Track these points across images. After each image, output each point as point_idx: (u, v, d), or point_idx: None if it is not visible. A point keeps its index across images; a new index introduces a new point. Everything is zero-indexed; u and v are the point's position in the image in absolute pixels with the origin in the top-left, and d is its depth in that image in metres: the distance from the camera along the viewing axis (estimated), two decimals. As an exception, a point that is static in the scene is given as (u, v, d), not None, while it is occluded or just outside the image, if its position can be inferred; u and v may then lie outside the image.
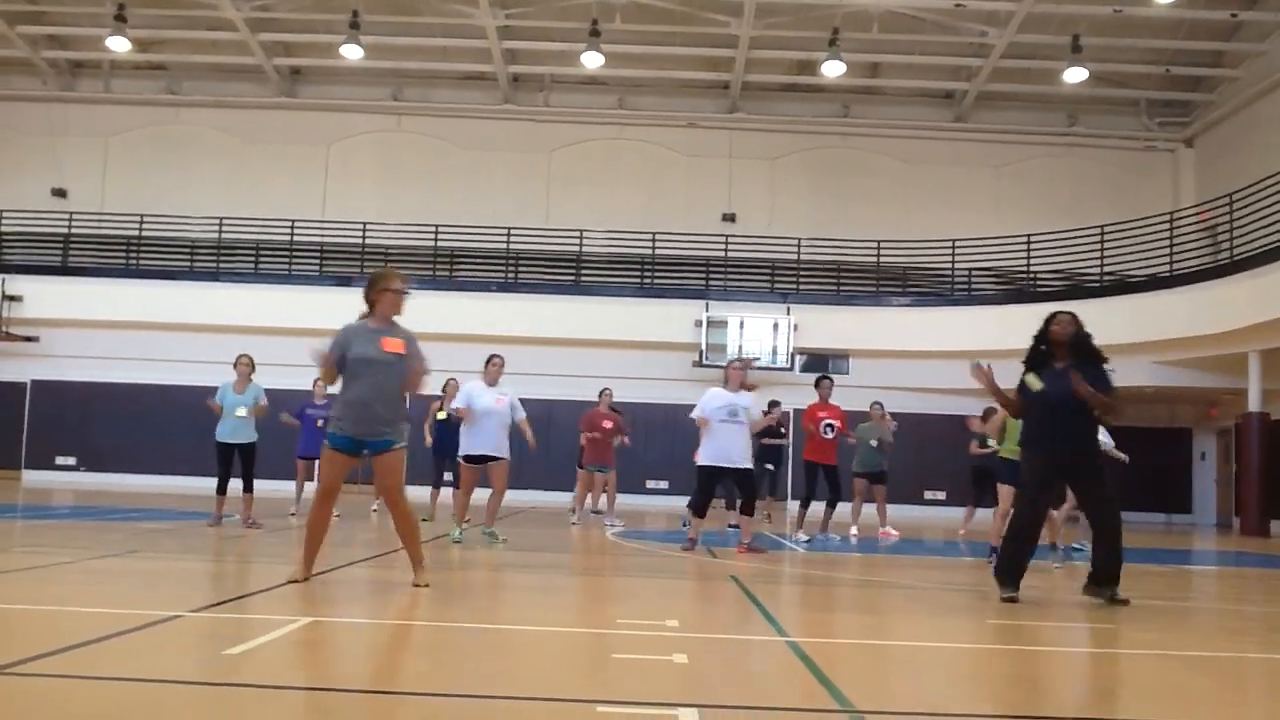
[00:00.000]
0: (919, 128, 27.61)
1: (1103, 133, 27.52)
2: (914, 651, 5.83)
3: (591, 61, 25.01)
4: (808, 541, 13.06)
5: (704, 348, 24.16)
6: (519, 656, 5.17)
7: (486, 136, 27.67)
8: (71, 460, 24.57)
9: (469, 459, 11.23)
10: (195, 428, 24.19)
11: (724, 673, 4.96)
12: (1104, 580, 7.35)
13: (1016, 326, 21.97)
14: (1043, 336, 7.61)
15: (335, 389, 7.34)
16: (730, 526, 15.08)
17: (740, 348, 24.12)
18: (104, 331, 24.36)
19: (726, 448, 10.97)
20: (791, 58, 26.56)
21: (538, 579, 8.63)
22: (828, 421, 13.52)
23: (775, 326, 24.33)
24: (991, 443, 14.86)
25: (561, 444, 22.41)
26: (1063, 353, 7.50)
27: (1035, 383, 7.48)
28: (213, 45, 26.86)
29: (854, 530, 14.04)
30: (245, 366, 12.35)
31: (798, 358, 24.29)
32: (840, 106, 27.69)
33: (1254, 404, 20.02)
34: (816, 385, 13.97)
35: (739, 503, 11.50)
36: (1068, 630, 6.64)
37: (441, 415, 14.49)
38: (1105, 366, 7.57)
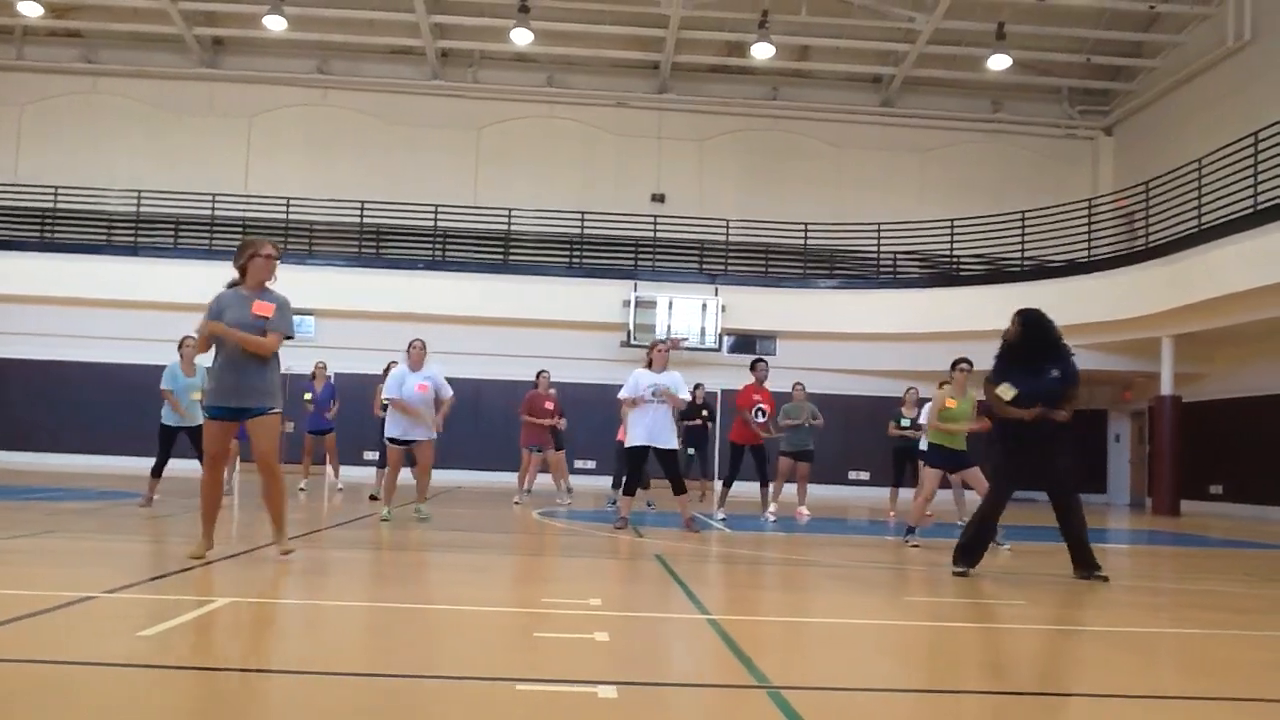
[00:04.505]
0: (847, 111, 27.82)
1: (1025, 120, 27.99)
2: (832, 628, 5.92)
3: (521, 38, 24.80)
4: (724, 520, 13.12)
5: (632, 328, 24.19)
6: (440, 636, 5.16)
7: (414, 112, 27.31)
8: (-17, 439, 23.93)
9: (394, 441, 11.39)
10: (113, 406, 23.99)
11: (644, 650, 5.00)
12: (1080, 561, 7.87)
13: (940, 309, 22.70)
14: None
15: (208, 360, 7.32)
16: (646, 505, 15.15)
17: (669, 328, 24.19)
18: (17, 306, 23.67)
19: (653, 428, 11.08)
20: (721, 39, 26.61)
21: (464, 558, 8.61)
22: (760, 406, 13.45)
23: (704, 307, 24.44)
24: (906, 422, 15.08)
25: (489, 424, 22.40)
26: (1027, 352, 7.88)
27: (1008, 391, 7.74)
28: (132, 13, 26.09)
29: (772, 509, 13.77)
30: (191, 350, 11.94)
31: (725, 338, 24.46)
32: (769, 89, 27.81)
33: (1166, 387, 20.57)
34: (753, 368, 13.79)
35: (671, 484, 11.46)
36: (982, 607, 6.78)
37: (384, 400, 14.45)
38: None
